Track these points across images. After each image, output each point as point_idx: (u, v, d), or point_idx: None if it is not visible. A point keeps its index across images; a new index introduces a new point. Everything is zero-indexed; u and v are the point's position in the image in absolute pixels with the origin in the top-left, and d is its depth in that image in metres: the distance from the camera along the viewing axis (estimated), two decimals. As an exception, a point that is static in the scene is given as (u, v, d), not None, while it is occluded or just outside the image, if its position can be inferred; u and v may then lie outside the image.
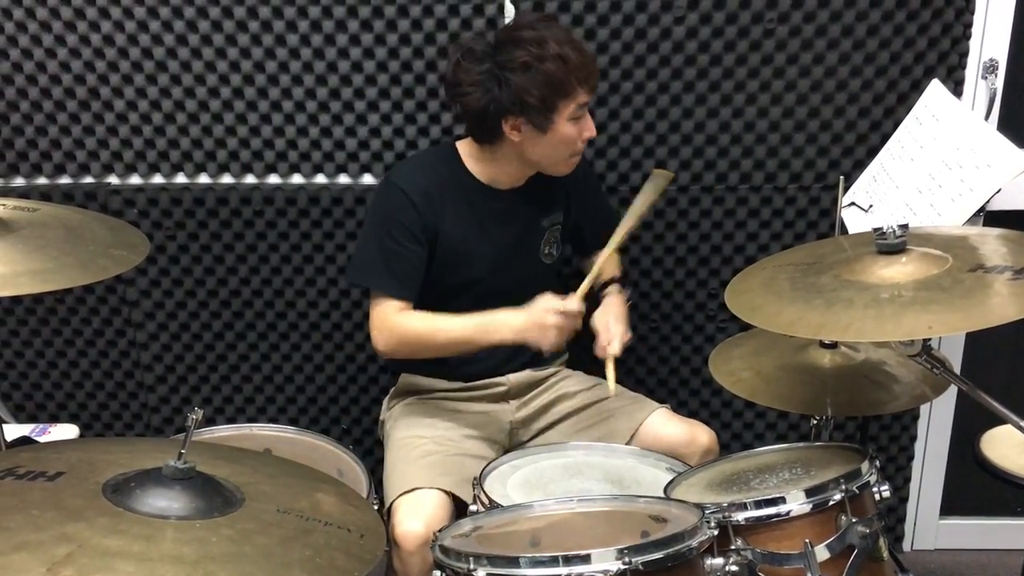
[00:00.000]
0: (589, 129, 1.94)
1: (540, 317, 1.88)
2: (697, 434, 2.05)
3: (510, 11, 2.25)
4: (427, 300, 2.00)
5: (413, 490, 1.86)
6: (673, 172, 2.13)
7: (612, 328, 2.01)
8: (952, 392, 2.55)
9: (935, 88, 2.09)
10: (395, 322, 1.96)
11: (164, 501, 1.20)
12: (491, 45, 1.89)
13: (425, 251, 1.98)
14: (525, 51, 1.83)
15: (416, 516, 1.80)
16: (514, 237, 2.07)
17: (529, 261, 2.11)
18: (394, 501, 1.86)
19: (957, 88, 2.31)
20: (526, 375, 2.14)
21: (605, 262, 2.07)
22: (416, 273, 1.98)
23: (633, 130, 2.34)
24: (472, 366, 2.09)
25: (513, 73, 1.84)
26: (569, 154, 1.95)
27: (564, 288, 2.03)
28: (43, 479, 1.22)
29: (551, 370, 2.19)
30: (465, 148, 2.03)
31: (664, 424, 2.07)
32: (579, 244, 2.28)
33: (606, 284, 2.18)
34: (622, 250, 2.30)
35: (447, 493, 1.86)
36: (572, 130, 1.90)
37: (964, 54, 2.29)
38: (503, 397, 2.13)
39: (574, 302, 1.91)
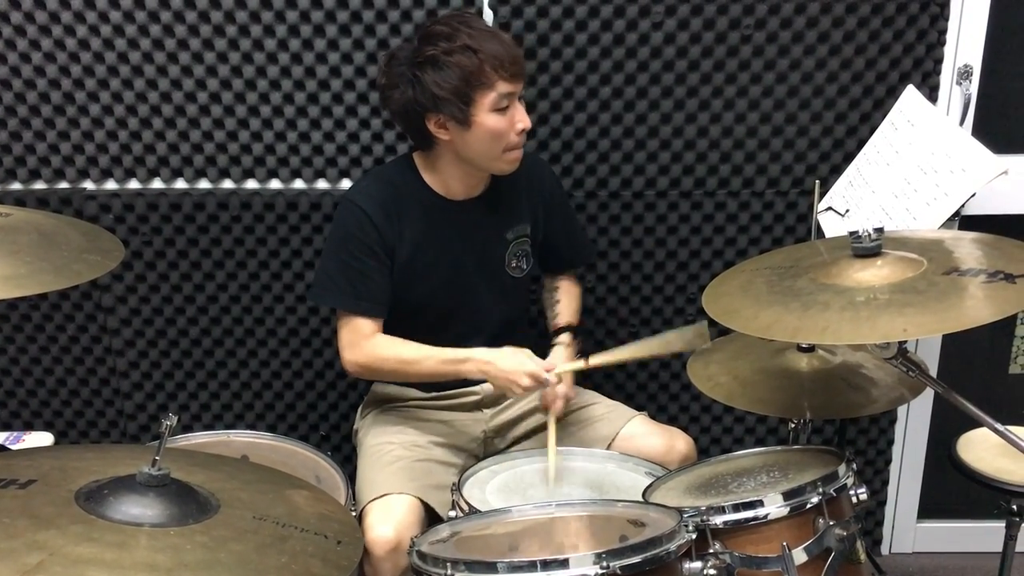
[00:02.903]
0: (522, 120, 1.87)
1: (513, 375, 1.86)
2: (675, 442, 2.05)
3: (488, 16, 2.25)
4: (390, 319, 1.99)
5: (383, 496, 1.85)
6: (708, 331, 1.85)
7: (558, 391, 1.97)
8: (929, 396, 2.56)
9: (910, 94, 2.10)
10: (367, 346, 1.96)
11: (138, 508, 1.19)
12: (411, 46, 1.87)
13: (388, 267, 1.96)
14: (434, 46, 1.81)
15: (386, 521, 1.80)
16: (476, 250, 2.02)
17: (495, 275, 2.06)
18: (365, 507, 1.85)
19: (932, 94, 2.33)
20: None
21: (569, 319, 2.13)
22: (380, 290, 1.96)
23: (612, 135, 2.34)
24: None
25: (423, 70, 1.82)
26: (503, 148, 1.89)
27: (527, 301, 2.04)
28: (14, 487, 1.21)
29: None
30: (418, 159, 2.00)
31: (642, 432, 2.06)
32: (545, 263, 2.20)
33: (559, 331, 2.13)
34: (584, 284, 2.34)
35: (418, 499, 1.86)
36: (499, 122, 1.84)
37: (939, 60, 2.31)
38: (477, 406, 2.12)
39: (555, 376, 1.91)
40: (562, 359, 2.05)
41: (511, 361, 1.88)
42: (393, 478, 1.90)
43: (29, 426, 2.55)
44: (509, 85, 1.83)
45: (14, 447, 2.18)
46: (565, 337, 2.12)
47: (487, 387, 2.10)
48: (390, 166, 2.11)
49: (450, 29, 1.82)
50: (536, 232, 2.11)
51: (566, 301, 2.19)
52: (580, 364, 1.95)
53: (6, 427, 2.52)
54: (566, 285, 2.22)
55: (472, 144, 1.88)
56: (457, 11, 2.15)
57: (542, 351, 2.03)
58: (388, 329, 1.98)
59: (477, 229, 2.02)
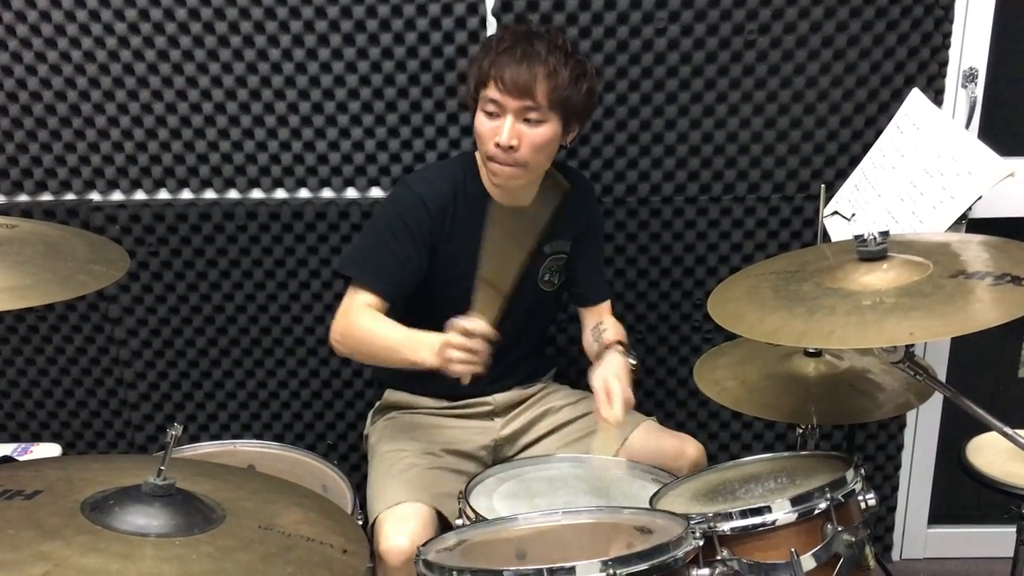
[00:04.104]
0: (499, 134, 1.84)
1: (441, 350, 1.75)
2: (685, 447, 2.04)
3: (492, 24, 2.25)
4: (425, 314, 1.91)
5: (397, 504, 1.84)
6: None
7: (612, 386, 1.87)
8: (938, 400, 2.55)
9: (916, 97, 2.10)
10: (351, 315, 1.90)
11: (143, 518, 1.19)
12: None
13: (422, 260, 1.94)
14: (495, 35, 1.92)
15: (400, 531, 1.79)
16: None
17: (526, 285, 2.02)
18: (378, 516, 1.85)
19: (937, 97, 2.32)
20: (513, 394, 2.13)
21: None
22: (401, 277, 1.93)
23: (616, 141, 2.34)
24: (458, 387, 2.06)
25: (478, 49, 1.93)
26: (486, 154, 1.87)
27: (551, 317, 2.01)
28: (20, 498, 1.20)
29: (538, 386, 2.18)
30: (479, 158, 1.99)
31: (651, 437, 2.06)
32: (572, 291, 2.19)
33: (608, 347, 2.06)
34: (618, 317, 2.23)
35: (431, 508, 1.85)
36: (483, 124, 1.86)
37: (944, 63, 2.30)
38: (489, 415, 2.12)
39: (475, 322, 1.76)
40: (613, 365, 1.94)
41: (438, 340, 1.76)
42: (406, 487, 1.89)
43: (37, 438, 2.55)
44: (498, 94, 1.83)
45: (22, 458, 2.18)
46: (616, 348, 2.02)
47: (499, 397, 2.10)
48: (453, 162, 2.12)
49: (514, 29, 1.94)
50: (575, 249, 2.11)
51: (612, 327, 2.12)
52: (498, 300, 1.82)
53: (14, 439, 2.53)
54: (609, 318, 2.16)
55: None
56: (545, 25, 2.24)
57: (544, 369, 2.08)
58: (415, 323, 1.89)
59: None
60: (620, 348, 2.02)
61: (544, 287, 2.09)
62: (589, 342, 2.12)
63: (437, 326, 1.82)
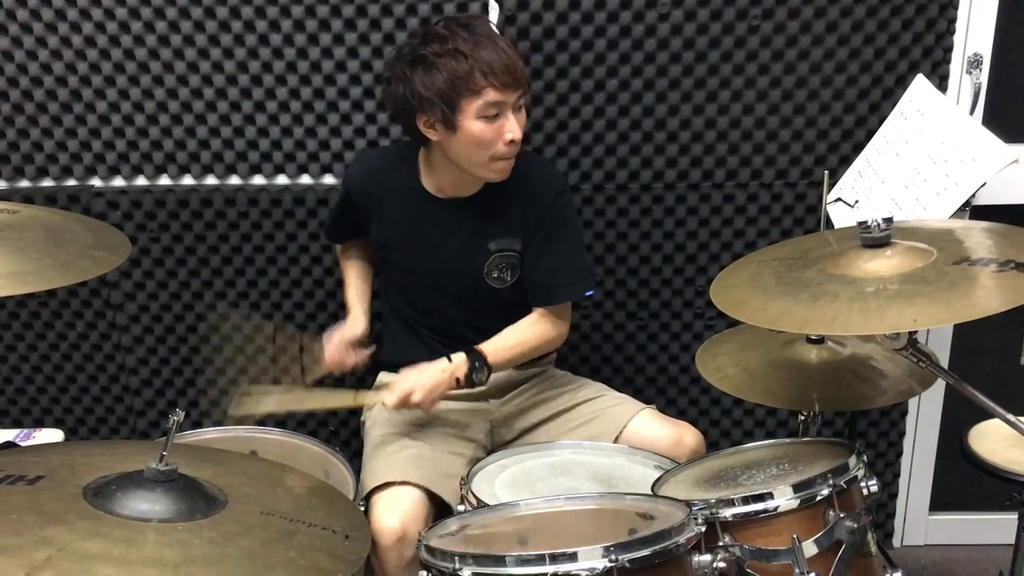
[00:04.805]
0: (511, 131, 1.83)
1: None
2: (683, 435, 2.04)
3: (494, 9, 2.24)
4: (395, 297, 2.12)
5: (388, 485, 1.85)
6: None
7: (403, 380, 1.94)
8: (940, 388, 2.55)
9: (920, 83, 2.09)
10: (340, 249, 2.25)
11: (145, 504, 1.19)
12: (412, 44, 1.86)
13: (356, 217, 2.10)
14: (427, 46, 1.80)
15: (391, 511, 1.80)
16: (455, 249, 2.00)
17: (472, 281, 2.02)
18: (371, 497, 1.86)
19: (942, 83, 2.31)
20: (507, 375, 2.12)
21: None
22: (343, 231, 2.20)
23: (619, 127, 2.33)
24: None
25: (414, 69, 1.81)
26: (489, 156, 1.85)
27: (520, 313, 2.02)
28: (23, 483, 1.21)
29: (534, 369, 2.18)
30: (422, 150, 2.00)
31: (650, 425, 2.05)
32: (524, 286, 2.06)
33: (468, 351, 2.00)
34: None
35: (424, 489, 1.86)
36: (484, 130, 1.81)
37: (949, 49, 2.29)
38: (483, 396, 2.11)
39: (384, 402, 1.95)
40: (433, 370, 1.95)
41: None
42: (399, 467, 1.90)
43: (40, 423, 2.55)
44: (499, 94, 1.80)
45: (25, 444, 2.18)
46: (469, 356, 1.96)
47: (492, 377, 2.07)
48: (397, 147, 2.16)
49: (448, 32, 1.80)
50: (526, 249, 2.01)
51: (506, 335, 2.02)
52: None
53: (16, 424, 2.53)
54: (528, 320, 2.05)
55: (457, 148, 1.86)
56: (466, 14, 2.14)
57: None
58: (389, 303, 2.15)
59: (456, 232, 2.00)
60: (465, 359, 1.95)
61: (494, 283, 2.03)
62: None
63: (398, 309, 2.11)
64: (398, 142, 2.29)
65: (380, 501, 1.84)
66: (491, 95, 1.79)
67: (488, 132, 1.82)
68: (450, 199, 1.99)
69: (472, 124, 1.81)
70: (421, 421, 2.04)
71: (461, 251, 2.01)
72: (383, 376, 2.17)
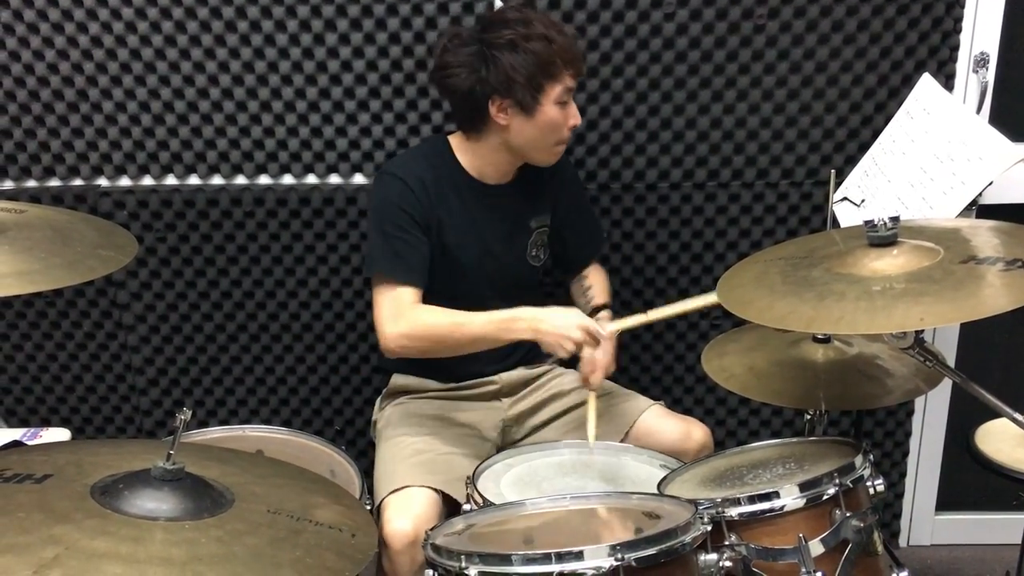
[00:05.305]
0: (574, 116, 1.92)
1: (567, 330, 1.82)
2: (692, 431, 2.05)
3: (498, 7, 2.24)
4: (439, 304, 1.96)
5: (402, 489, 1.85)
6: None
7: (597, 357, 1.91)
8: (947, 387, 2.54)
9: (926, 82, 2.08)
10: (412, 314, 1.89)
11: (153, 502, 1.19)
12: (477, 28, 1.90)
13: (428, 239, 1.95)
14: (512, 30, 1.83)
15: (404, 515, 1.79)
16: (503, 234, 2.05)
17: (516, 262, 2.09)
18: (383, 500, 1.85)
19: (948, 82, 2.31)
20: (518, 373, 2.14)
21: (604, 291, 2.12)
22: (422, 259, 1.93)
23: (624, 127, 2.33)
24: (464, 367, 2.07)
25: (500, 52, 1.83)
26: (555, 141, 1.93)
27: (547, 294, 2.02)
28: (30, 481, 1.21)
29: (544, 368, 2.18)
30: (456, 141, 2.02)
31: (658, 421, 2.06)
32: (560, 256, 2.21)
33: (597, 309, 2.11)
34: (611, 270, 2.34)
35: (437, 492, 1.85)
36: (558, 115, 1.88)
37: (955, 48, 2.29)
38: (495, 395, 2.13)
39: (606, 330, 1.90)
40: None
41: (562, 317, 1.84)
42: (412, 471, 1.89)
43: (47, 423, 2.56)
44: (572, 80, 1.88)
45: (31, 443, 2.19)
46: (605, 314, 2.10)
47: (504, 376, 2.10)
48: (425, 146, 2.15)
49: (524, 17, 1.85)
50: (555, 221, 2.13)
51: (598, 284, 2.20)
52: (640, 318, 1.94)
53: (24, 424, 2.54)
54: (594, 270, 2.24)
55: (529, 132, 1.90)
56: (523, 2, 2.12)
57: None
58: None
59: (506, 215, 2.05)
60: (606, 314, 2.07)
61: (532, 262, 2.11)
62: (576, 294, 2.20)
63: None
64: (419, 143, 2.29)
65: (392, 504, 1.83)
66: (568, 81, 1.88)
67: (560, 117, 1.89)
68: (495, 185, 2.03)
69: (551, 109, 1.87)
70: (434, 422, 2.04)
71: (510, 235, 2.06)
72: (397, 378, 2.17)
